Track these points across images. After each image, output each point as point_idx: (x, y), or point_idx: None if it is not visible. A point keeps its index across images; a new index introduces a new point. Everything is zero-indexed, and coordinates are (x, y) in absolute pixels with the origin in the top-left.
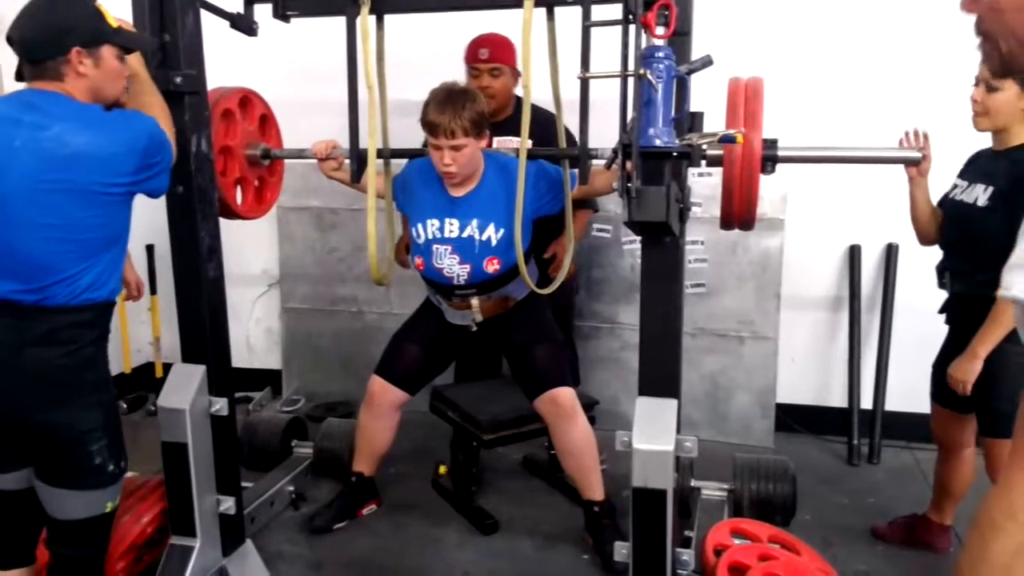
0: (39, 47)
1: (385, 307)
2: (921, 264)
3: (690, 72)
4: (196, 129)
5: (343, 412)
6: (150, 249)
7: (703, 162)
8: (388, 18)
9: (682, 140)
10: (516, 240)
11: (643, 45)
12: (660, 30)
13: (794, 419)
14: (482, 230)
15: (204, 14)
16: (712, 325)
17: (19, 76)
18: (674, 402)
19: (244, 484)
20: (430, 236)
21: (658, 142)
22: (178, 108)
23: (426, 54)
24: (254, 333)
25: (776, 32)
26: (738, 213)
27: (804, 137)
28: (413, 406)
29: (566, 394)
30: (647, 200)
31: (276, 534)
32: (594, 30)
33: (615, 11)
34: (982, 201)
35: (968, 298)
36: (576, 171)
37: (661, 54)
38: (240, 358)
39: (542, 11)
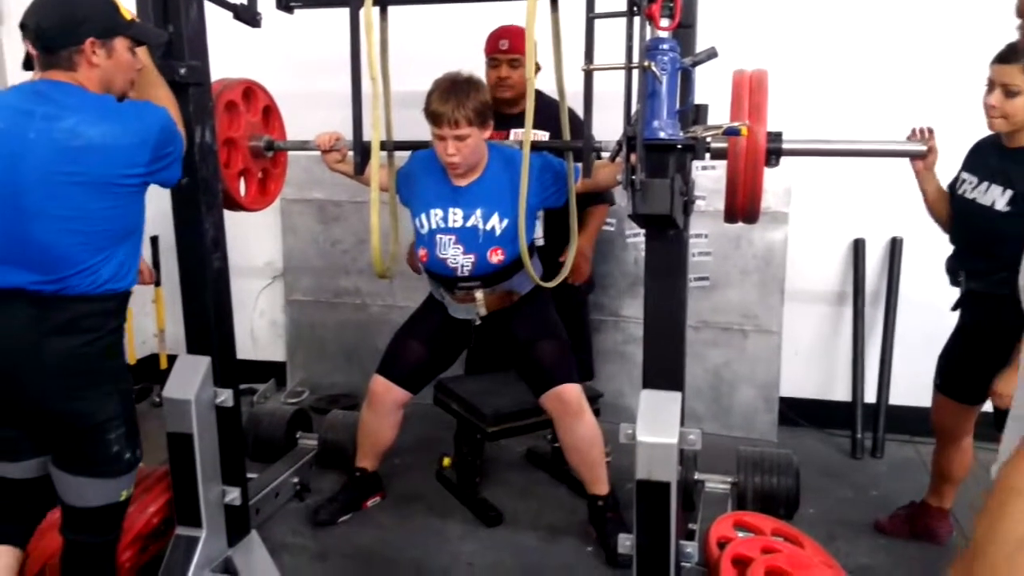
0: (54, 36)
1: (389, 299)
2: (925, 258)
3: (694, 64)
4: (200, 120)
5: (347, 404)
6: (154, 241)
7: (707, 155)
8: (392, 10)
9: (686, 133)
10: (520, 231)
11: (647, 37)
12: (664, 22)
13: (798, 413)
14: (486, 219)
15: (208, 5)
16: (716, 318)
17: (27, 65)
18: (678, 395)
19: (249, 475)
20: (433, 226)
21: (662, 135)
22: (182, 99)
23: (430, 46)
24: (258, 325)
25: (780, 25)
26: (742, 206)
27: (808, 130)
28: (417, 398)
29: (573, 391)
30: (651, 193)
31: (281, 525)
32: (598, 22)
33: (619, 3)
34: (1001, 205)
35: (988, 296)
36: (580, 165)
37: (665, 46)
38: (244, 350)
39: (546, 3)
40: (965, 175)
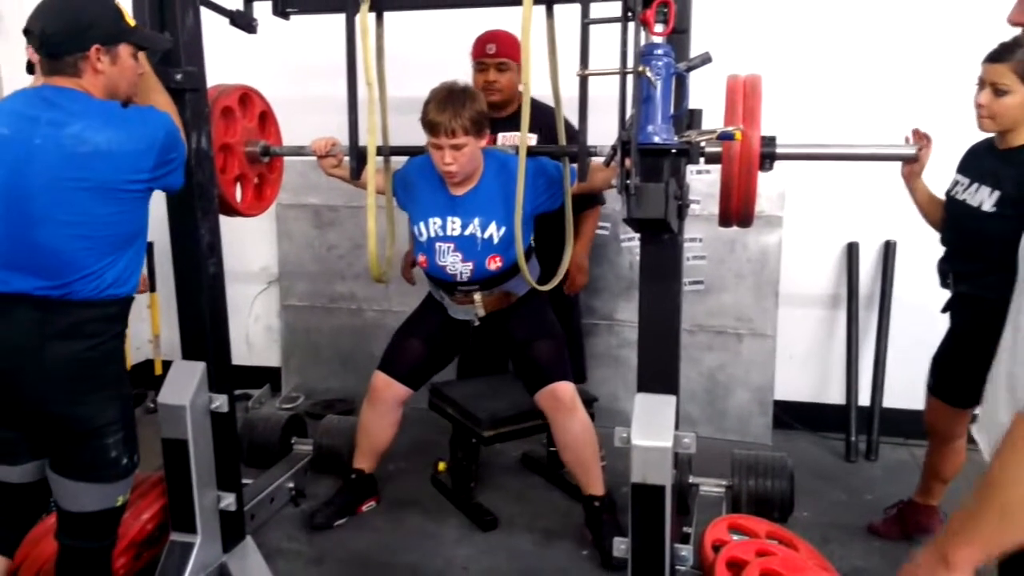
0: (59, 42)
1: (384, 304)
2: (919, 261)
3: (689, 69)
4: (196, 126)
5: (342, 409)
6: (150, 246)
7: (702, 159)
8: (387, 15)
9: (681, 137)
10: (516, 238)
11: (642, 42)
12: (659, 27)
13: (792, 416)
14: (484, 228)
15: (204, 11)
16: (710, 322)
17: (30, 69)
18: (672, 399)
19: (244, 481)
20: (432, 234)
21: (657, 139)
22: (178, 105)
23: (426, 51)
24: (253, 330)
25: (774, 30)
26: (736, 210)
27: (802, 134)
28: (412, 403)
29: (566, 388)
30: (646, 197)
31: (276, 530)
32: (593, 27)
33: (614, 8)
34: (988, 206)
35: (974, 299)
36: (575, 166)
37: (660, 51)
38: (239, 355)
39: (541, 8)
40: (959, 177)
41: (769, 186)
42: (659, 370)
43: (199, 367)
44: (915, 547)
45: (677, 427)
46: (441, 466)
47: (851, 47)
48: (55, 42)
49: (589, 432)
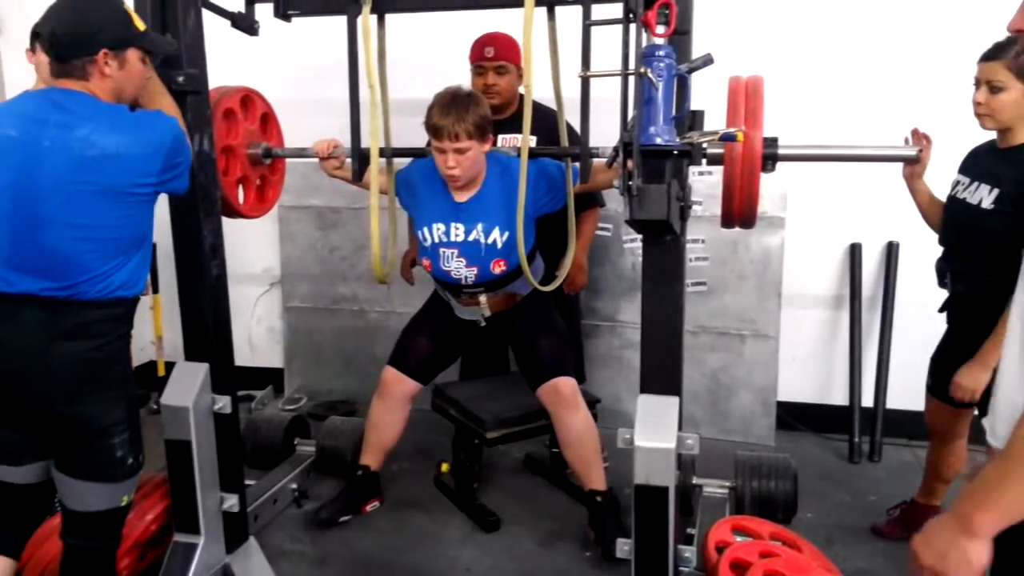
0: (68, 45)
1: (387, 306)
2: (922, 262)
3: (691, 71)
4: (198, 128)
5: (345, 410)
6: (152, 248)
7: (704, 160)
8: (389, 17)
9: (683, 138)
10: (519, 242)
11: (644, 44)
12: (661, 29)
13: (795, 417)
14: (487, 234)
15: (206, 14)
16: (713, 323)
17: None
18: (676, 400)
19: (247, 482)
20: (436, 239)
21: (659, 140)
22: (180, 107)
23: (427, 53)
24: (256, 332)
25: (776, 31)
26: (739, 211)
27: (804, 135)
28: (415, 404)
29: (568, 383)
30: (648, 198)
31: (279, 531)
32: (595, 29)
33: (616, 10)
34: (987, 203)
35: (971, 299)
36: (577, 167)
37: (662, 53)
38: (242, 357)
39: (543, 10)
40: (960, 177)
41: (771, 187)
42: (662, 371)
43: (202, 368)
44: None
45: (680, 428)
46: (444, 467)
47: (853, 48)
48: (64, 45)
49: (591, 428)
